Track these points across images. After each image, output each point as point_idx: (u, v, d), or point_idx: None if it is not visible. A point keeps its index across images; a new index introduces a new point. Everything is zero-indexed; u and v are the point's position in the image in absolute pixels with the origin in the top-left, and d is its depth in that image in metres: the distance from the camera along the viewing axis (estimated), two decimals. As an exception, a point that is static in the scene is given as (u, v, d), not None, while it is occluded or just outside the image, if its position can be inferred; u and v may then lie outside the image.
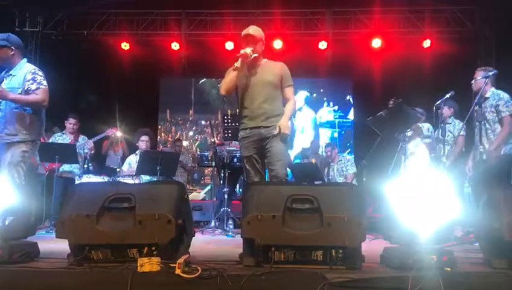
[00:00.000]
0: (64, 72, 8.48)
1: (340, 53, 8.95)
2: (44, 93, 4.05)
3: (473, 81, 4.93)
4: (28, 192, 3.82)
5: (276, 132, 3.67)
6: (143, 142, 6.91)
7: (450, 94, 5.18)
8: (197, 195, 8.31)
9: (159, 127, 10.21)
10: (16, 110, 3.96)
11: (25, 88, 4.00)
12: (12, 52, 4.06)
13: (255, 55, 3.74)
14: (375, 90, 8.53)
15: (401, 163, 5.49)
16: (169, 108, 10.23)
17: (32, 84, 4.02)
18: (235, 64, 3.70)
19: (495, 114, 4.66)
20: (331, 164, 7.30)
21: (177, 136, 9.76)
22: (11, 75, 4.03)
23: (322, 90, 10.19)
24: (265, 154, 3.75)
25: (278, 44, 8.83)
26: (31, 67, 4.13)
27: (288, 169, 5.03)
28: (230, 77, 3.76)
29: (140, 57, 9.19)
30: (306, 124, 10.07)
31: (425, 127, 5.93)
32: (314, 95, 10.13)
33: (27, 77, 4.03)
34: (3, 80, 4.01)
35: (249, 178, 3.84)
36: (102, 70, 8.89)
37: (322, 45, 9.03)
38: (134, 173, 6.44)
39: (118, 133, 7.38)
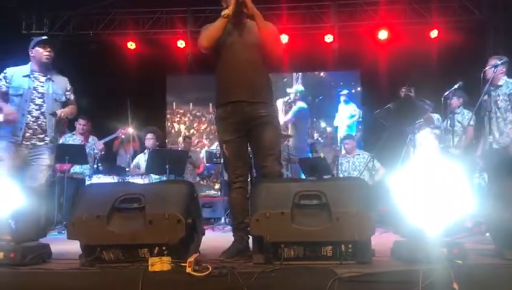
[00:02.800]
0: (72, 73, 8.48)
1: (347, 46, 8.90)
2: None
3: (487, 68, 4.87)
4: (39, 193, 3.91)
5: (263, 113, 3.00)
6: (148, 140, 6.99)
7: (458, 84, 5.16)
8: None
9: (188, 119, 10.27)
10: (54, 117, 4.19)
11: (67, 97, 4.30)
12: (53, 57, 4.23)
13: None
14: (382, 82, 8.47)
15: (410, 155, 5.47)
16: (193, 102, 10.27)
17: (71, 94, 4.36)
18: (225, 12, 3.05)
19: (508, 102, 4.64)
20: (348, 156, 7.21)
21: (188, 134, 9.77)
22: (50, 79, 4.22)
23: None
24: (251, 144, 3.16)
25: (283, 39, 8.79)
26: (63, 76, 4.39)
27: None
28: (216, 26, 3.09)
29: (146, 56, 9.22)
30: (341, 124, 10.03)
31: (435, 117, 5.90)
32: (354, 90, 10.04)
33: (67, 87, 4.35)
34: (33, 81, 4.17)
35: (229, 167, 3.17)
36: (109, 70, 8.92)
37: (328, 38, 8.99)
38: (142, 172, 6.49)
39: (129, 129, 7.46)
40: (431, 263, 2.27)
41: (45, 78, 4.20)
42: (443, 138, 5.61)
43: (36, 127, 4.10)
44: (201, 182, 9.12)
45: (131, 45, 9.26)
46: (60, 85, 4.28)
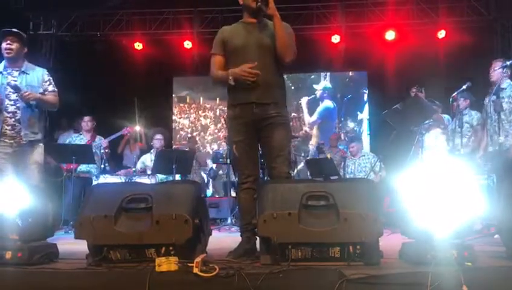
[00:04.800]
0: (79, 74, 8.58)
1: (354, 46, 8.86)
2: (57, 96, 4.24)
3: (491, 71, 4.90)
4: (46, 192, 3.91)
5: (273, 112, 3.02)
6: (157, 140, 7.01)
7: (466, 85, 5.13)
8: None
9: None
10: (36, 110, 4.09)
11: (44, 88, 4.15)
12: (25, 51, 4.17)
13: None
14: (390, 83, 8.44)
15: (418, 156, 5.44)
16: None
17: (49, 85, 4.20)
18: (232, 82, 3.04)
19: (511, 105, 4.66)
20: (353, 157, 7.20)
21: (193, 135, 9.78)
22: (24, 72, 4.13)
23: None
24: (261, 144, 3.16)
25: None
26: (41, 68, 4.27)
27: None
28: (220, 80, 3.15)
29: (153, 56, 9.24)
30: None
31: (445, 118, 5.88)
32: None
33: (44, 78, 4.20)
34: (6, 77, 4.08)
35: (238, 167, 3.19)
36: (116, 70, 8.95)
37: (335, 38, 8.97)
38: (148, 172, 6.51)
39: (135, 129, 7.49)
40: (440, 265, 2.25)
41: (18, 72, 4.10)
42: (451, 139, 5.58)
43: (14, 122, 4.01)
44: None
45: (138, 46, 9.29)
46: (36, 77, 4.16)
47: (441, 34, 8.61)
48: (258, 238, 2.91)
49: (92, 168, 6.70)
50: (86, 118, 6.89)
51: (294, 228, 2.51)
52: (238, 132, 3.12)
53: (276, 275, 2.25)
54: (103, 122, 7.40)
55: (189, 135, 9.57)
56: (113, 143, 7.16)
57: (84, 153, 6.29)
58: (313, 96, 9.93)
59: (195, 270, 2.23)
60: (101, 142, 6.80)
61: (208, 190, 8.52)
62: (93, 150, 6.49)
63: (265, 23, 3.19)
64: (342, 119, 9.86)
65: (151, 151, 7.04)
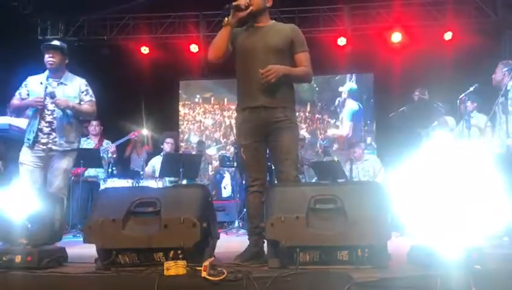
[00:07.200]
0: (85, 78, 8.60)
1: (360, 49, 8.85)
2: (95, 106, 4.39)
3: (494, 75, 4.90)
4: (55, 197, 3.94)
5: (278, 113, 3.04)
6: (168, 144, 7.03)
7: (474, 87, 5.11)
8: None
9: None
10: (72, 120, 4.22)
11: (80, 98, 4.30)
12: (67, 61, 4.26)
13: (250, 9, 3.01)
14: (396, 85, 8.41)
15: (424, 158, 5.42)
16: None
17: (85, 95, 4.36)
18: (226, 19, 3.02)
19: None
20: (357, 162, 7.21)
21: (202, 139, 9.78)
22: (62, 83, 4.27)
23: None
24: (269, 148, 3.16)
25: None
26: (80, 78, 4.41)
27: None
28: (219, 36, 3.07)
29: (160, 60, 9.28)
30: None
31: (449, 120, 5.85)
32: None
33: (82, 88, 4.35)
34: (47, 87, 4.20)
35: (246, 171, 3.22)
36: (123, 74, 8.99)
37: (341, 41, 8.96)
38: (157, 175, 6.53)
39: (142, 132, 7.52)
40: (449, 268, 2.24)
41: (57, 82, 4.24)
42: (458, 141, 5.55)
43: (50, 131, 4.15)
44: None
45: (144, 50, 9.33)
46: (73, 88, 4.29)
47: (448, 35, 8.58)
48: (265, 241, 2.91)
49: (99, 172, 6.73)
50: (94, 122, 6.93)
51: (302, 231, 2.51)
52: (246, 135, 3.13)
53: (284, 279, 2.25)
54: (110, 126, 7.43)
55: (198, 139, 9.57)
56: (120, 147, 7.18)
57: (92, 157, 6.33)
58: (337, 99, 9.78)
59: (204, 274, 2.23)
60: (108, 147, 6.83)
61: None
62: (101, 154, 6.53)
63: (275, 26, 3.20)
64: (368, 122, 9.68)
65: (161, 154, 7.05)
